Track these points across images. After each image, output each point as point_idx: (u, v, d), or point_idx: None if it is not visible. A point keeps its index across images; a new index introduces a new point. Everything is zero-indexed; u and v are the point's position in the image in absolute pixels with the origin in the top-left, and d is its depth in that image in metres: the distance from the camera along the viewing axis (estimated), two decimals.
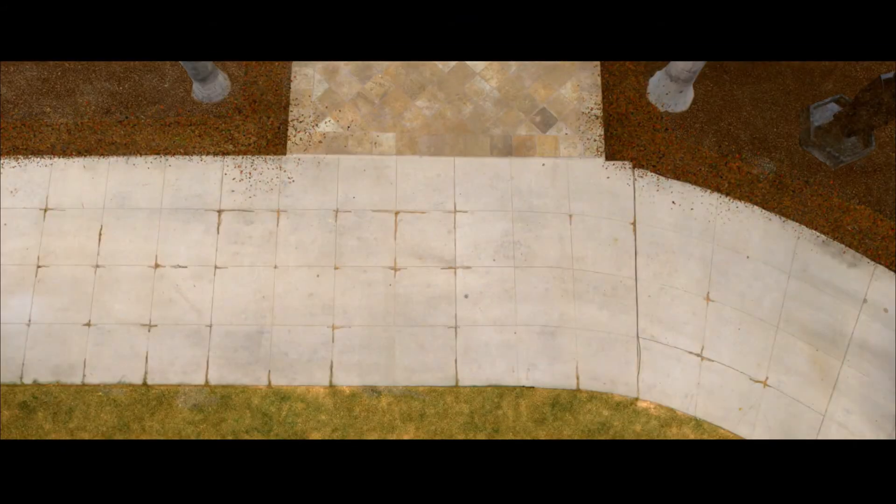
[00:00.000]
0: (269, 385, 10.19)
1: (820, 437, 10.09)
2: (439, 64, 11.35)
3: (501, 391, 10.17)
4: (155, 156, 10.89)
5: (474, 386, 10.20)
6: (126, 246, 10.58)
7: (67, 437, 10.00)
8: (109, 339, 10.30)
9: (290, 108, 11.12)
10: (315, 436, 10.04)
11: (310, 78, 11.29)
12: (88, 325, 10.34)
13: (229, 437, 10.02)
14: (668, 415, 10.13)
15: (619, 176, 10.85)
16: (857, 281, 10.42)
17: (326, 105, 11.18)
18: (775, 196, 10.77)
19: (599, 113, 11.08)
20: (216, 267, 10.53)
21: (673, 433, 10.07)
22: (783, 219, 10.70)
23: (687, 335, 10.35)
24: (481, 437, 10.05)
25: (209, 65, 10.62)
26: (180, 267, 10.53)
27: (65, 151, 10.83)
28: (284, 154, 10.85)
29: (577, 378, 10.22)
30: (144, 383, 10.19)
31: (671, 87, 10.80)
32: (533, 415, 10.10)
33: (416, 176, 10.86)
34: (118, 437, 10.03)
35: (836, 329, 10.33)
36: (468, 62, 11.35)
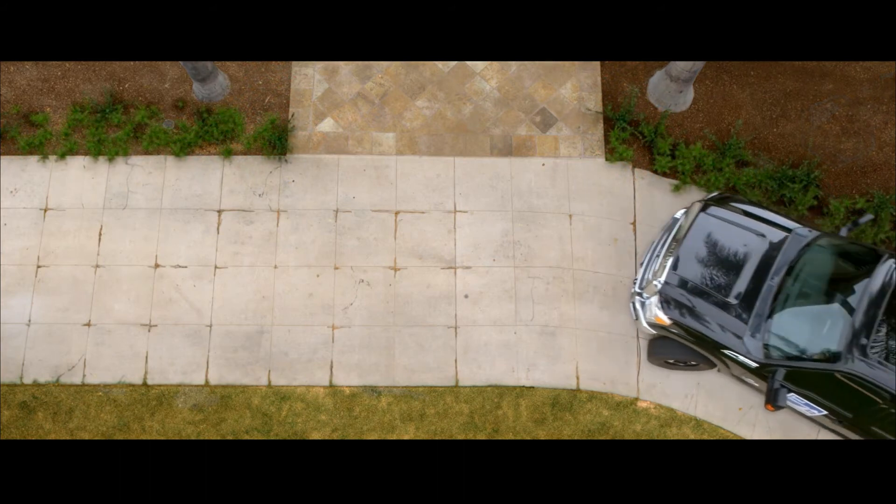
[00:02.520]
0: (269, 385, 10.19)
1: (820, 438, 10.09)
2: (439, 64, 11.36)
3: (501, 391, 10.18)
4: (155, 156, 10.89)
5: (474, 386, 10.20)
6: (126, 246, 10.59)
7: (67, 437, 10.00)
8: (109, 339, 10.30)
9: (290, 108, 11.12)
10: (315, 436, 10.04)
11: (310, 78, 11.29)
12: (88, 325, 10.34)
13: (229, 437, 10.02)
14: (668, 415, 10.14)
15: (619, 176, 10.85)
16: None
17: (326, 105, 11.18)
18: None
19: (599, 113, 11.08)
20: (216, 267, 10.53)
21: (673, 433, 10.07)
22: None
23: None
24: (481, 437, 10.05)
25: (209, 65, 10.62)
26: (180, 267, 10.54)
27: (65, 151, 10.83)
28: (284, 154, 10.85)
29: (577, 378, 10.23)
30: (144, 383, 10.19)
31: (671, 87, 10.81)
32: (533, 415, 10.10)
33: (416, 176, 10.87)
34: (118, 437, 10.03)
35: None
36: (468, 62, 11.35)
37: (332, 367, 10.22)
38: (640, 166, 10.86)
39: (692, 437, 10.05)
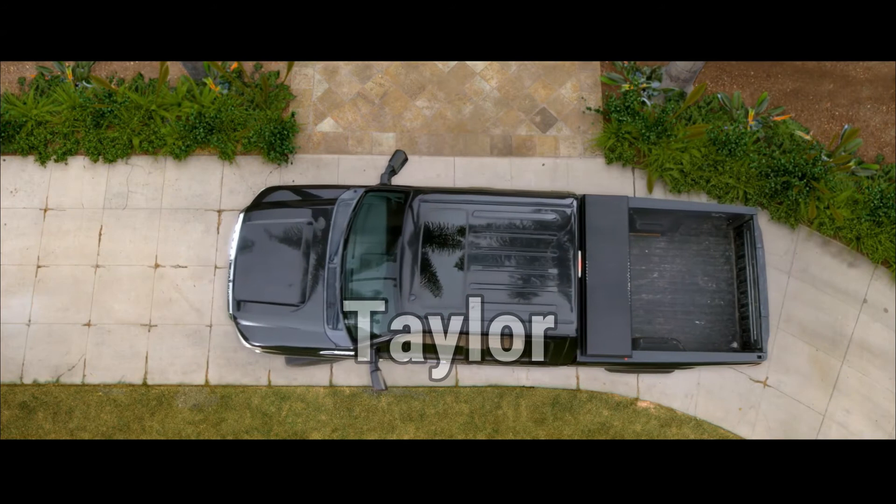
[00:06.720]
0: (269, 385, 10.19)
1: (820, 437, 10.10)
2: (439, 64, 11.36)
3: (501, 391, 10.18)
4: (155, 156, 10.88)
5: (474, 386, 10.20)
6: (126, 246, 10.59)
7: (67, 437, 10.00)
8: (109, 339, 10.30)
9: (290, 108, 11.12)
10: (315, 436, 10.04)
11: (310, 78, 11.28)
12: (88, 325, 10.34)
13: (229, 437, 10.02)
14: (668, 415, 10.14)
15: (618, 176, 10.85)
16: (857, 281, 10.42)
17: (326, 105, 11.18)
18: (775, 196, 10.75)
19: (600, 113, 11.07)
20: (216, 267, 10.53)
21: (673, 433, 10.07)
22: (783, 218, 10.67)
23: None
24: (481, 437, 10.05)
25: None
26: (180, 267, 10.53)
27: (65, 151, 10.82)
28: (286, 155, 10.83)
29: (577, 378, 10.23)
30: (144, 383, 10.19)
31: (671, 87, 10.81)
32: (533, 415, 10.10)
33: (416, 176, 10.85)
34: (118, 437, 10.03)
35: (836, 329, 10.33)
36: (468, 62, 11.35)
37: (331, 367, 10.22)
38: (640, 166, 10.85)
39: (692, 437, 10.05)
